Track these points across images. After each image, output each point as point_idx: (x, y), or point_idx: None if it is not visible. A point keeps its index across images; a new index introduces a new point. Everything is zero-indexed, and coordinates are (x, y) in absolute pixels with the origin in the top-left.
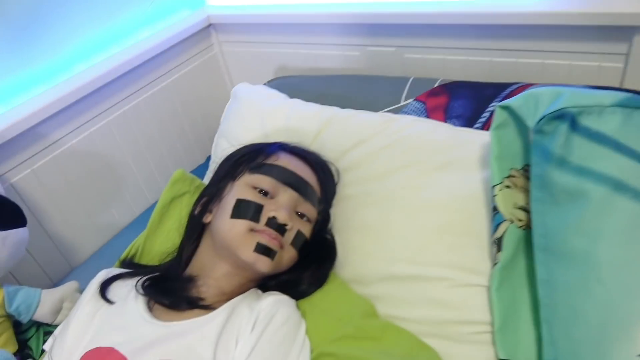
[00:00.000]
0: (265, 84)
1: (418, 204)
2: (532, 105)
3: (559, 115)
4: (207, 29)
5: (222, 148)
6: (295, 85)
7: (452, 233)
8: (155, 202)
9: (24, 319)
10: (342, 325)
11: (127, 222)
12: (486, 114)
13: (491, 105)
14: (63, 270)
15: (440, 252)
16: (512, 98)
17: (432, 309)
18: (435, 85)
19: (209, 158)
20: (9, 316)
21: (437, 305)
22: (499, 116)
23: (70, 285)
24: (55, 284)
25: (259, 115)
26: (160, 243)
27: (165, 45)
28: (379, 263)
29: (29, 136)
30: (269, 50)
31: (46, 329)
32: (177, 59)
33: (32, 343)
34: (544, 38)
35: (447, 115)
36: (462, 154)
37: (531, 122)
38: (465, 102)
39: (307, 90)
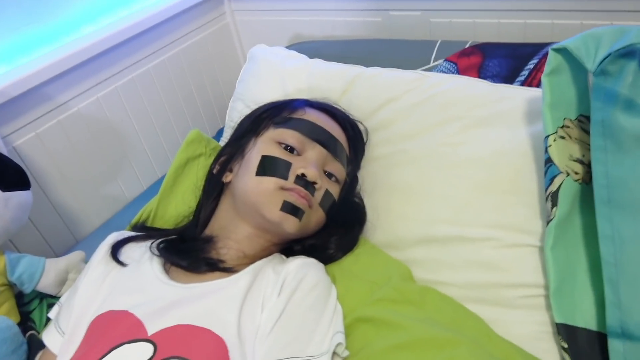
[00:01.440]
0: None
1: (458, 161)
2: (591, 45)
3: (627, 53)
4: None
5: (238, 111)
6: (314, 49)
7: (497, 191)
8: (164, 175)
9: (27, 288)
10: (378, 288)
11: (134, 195)
12: (525, 72)
13: (530, 62)
14: (67, 242)
15: (485, 211)
16: (567, 40)
17: (477, 272)
18: (467, 46)
19: (219, 132)
20: (11, 285)
21: (483, 267)
22: (553, 60)
23: (75, 255)
24: (58, 256)
25: (278, 75)
26: (174, 206)
27: (175, 10)
28: (415, 225)
29: (33, 96)
30: (283, 19)
31: (50, 301)
32: (188, 26)
33: (35, 315)
34: None
35: (481, 75)
36: (505, 108)
37: (591, 65)
38: (501, 61)
39: (327, 53)
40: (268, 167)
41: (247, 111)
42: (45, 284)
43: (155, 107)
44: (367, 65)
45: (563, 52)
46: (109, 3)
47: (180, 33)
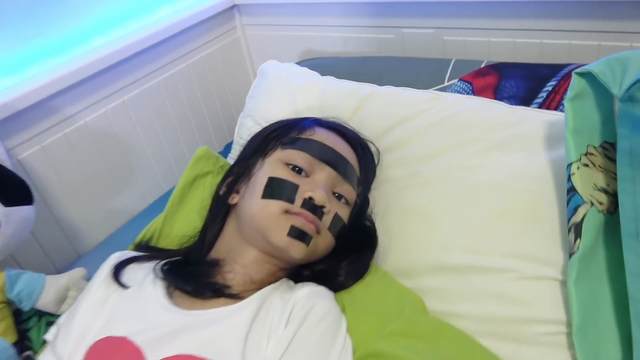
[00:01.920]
0: None
1: (475, 185)
2: (617, 70)
3: None
4: (231, 10)
5: (247, 128)
6: (326, 65)
7: (516, 218)
8: (170, 190)
9: (26, 306)
10: (389, 321)
11: (138, 209)
12: (543, 94)
13: (548, 84)
14: (69, 257)
15: (503, 239)
16: (591, 64)
17: (494, 305)
18: (482, 66)
19: (227, 146)
20: (9, 303)
21: (500, 300)
22: (577, 84)
23: (76, 272)
24: (60, 272)
25: (289, 92)
26: (179, 226)
27: (186, 24)
28: (429, 252)
29: (40, 109)
30: (294, 34)
31: (49, 319)
32: (198, 40)
33: (33, 334)
34: (601, 17)
35: (497, 96)
36: (524, 131)
37: (617, 90)
38: (518, 81)
39: (339, 70)
40: (274, 189)
41: (257, 128)
42: (45, 302)
43: (163, 121)
44: (379, 83)
45: (587, 76)
46: (119, 15)
47: (191, 47)
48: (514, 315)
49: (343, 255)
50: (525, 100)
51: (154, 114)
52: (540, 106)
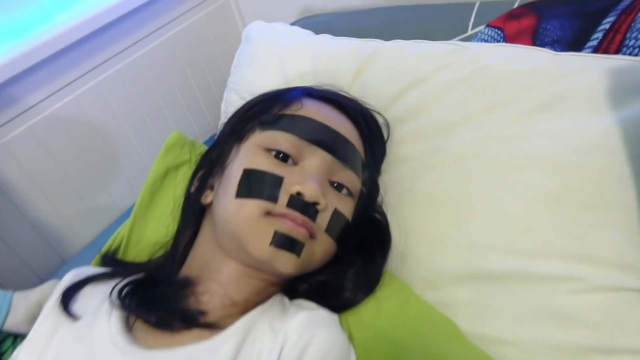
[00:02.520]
0: None
1: (515, 163)
2: None
3: None
4: None
5: (232, 103)
6: (323, 24)
7: (575, 205)
8: None
9: None
10: (406, 354)
11: (128, 204)
12: (598, 35)
13: (605, 21)
14: (53, 264)
15: (558, 235)
16: None
17: (551, 328)
18: (515, 6)
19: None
20: None
21: (559, 321)
22: None
23: (49, 285)
24: (44, 281)
25: (277, 57)
26: (151, 231)
27: None
28: (458, 253)
29: None
30: None
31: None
32: (180, 6)
33: (7, 357)
34: None
35: (537, 42)
36: (577, 86)
37: None
38: (563, 21)
39: (339, 28)
40: (252, 185)
41: (241, 103)
42: (14, 322)
43: (147, 103)
44: (388, 38)
45: None
46: None
47: (172, 15)
48: (581, 342)
49: (349, 262)
50: (574, 44)
51: (135, 95)
52: (596, 51)
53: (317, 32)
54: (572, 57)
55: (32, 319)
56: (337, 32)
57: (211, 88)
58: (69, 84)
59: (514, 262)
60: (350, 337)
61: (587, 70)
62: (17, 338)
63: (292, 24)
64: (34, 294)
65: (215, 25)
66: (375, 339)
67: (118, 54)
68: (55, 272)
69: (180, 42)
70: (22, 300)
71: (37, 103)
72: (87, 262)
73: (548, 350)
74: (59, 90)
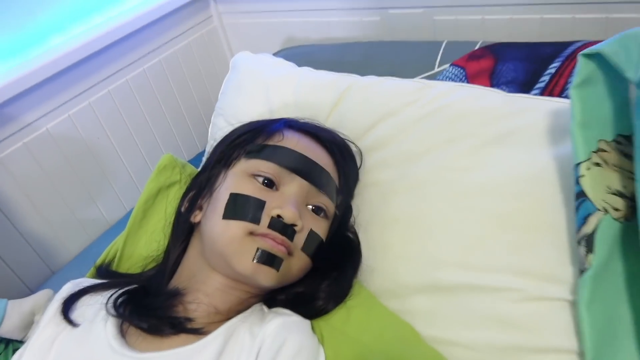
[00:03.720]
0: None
1: (469, 189)
2: (633, 49)
3: None
4: None
5: (219, 128)
6: (305, 55)
7: (516, 227)
8: None
9: None
10: (370, 355)
11: (115, 218)
12: (545, 78)
13: (551, 66)
14: (42, 275)
15: (502, 252)
16: (601, 43)
17: (494, 331)
18: (477, 48)
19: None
20: None
21: (502, 325)
22: (584, 68)
23: (42, 295)
24: (33, 292)
25: (262, 87)
26: (143, 245)
27: (155, 14)
28: (418, 267)
29: None
30: (274, 21)
31: (16, 346)
32: (170, 32)
33: None
34: None
35: (494, 82)
36: (524, 123)
37: (633, 73)
38: (517, 64)
39: (319, 60)
40: (237, 208)
41: (229, 128)
42: (8, 329)
43: (136, 123)
44: (363, 72)
45: (596, 58)
46: (80, 9)
47: (162, 40)
48: (516, 342)
49: (323, 275)
50: (525, 85)
51: (125, 115)
52: (543, 92)
53: (299, 63)
54: (520, 98)
55: (25, 325)
56: (318, 63)
57: (197, 109)
58: (63, 104)
59: (464, 275)
60: (322, 341)
61: (532, 111)
62: (10, 343)
63: (276, 53)
64: (27, 302)
65: (203, 50)
66: (344, 342)
67: (109, 76)
68: (44, 283)
69: (169, 66)
70: (15, 308)
71: (33, 121)
72: (75, 273)
73: (491, 350)
74: (54, 109)
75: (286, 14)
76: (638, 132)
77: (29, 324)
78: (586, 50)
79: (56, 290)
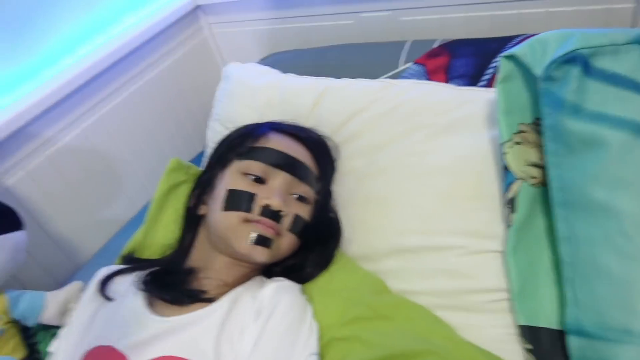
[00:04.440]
0: (257, 63)
1: (424, 169)
2: (538, 51)
3: (570, 59)
4: (195, 12)
5: (216, 132)
6: (289, 60)
7: (461, 197)
8: None
9: (31, 322)
10: (351, 306)
11: (129, 216)
12: (490, 70)
13: (495, 60)
14: (68, 270)
15: (450, 218)
16: (516, 46)
17: (445, 280)
18: (434, 46)
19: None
20: (15, 322)
21: (450, 275)
22: (504, 67)
23: (74, 286)
24: (61, 285)
25: (251, 93)
26: (160, 236)
27: (151, 31)
28: (387, 236)
29: (19, 136)
30: (259, 28)
31: (54, 331)
32: (166, 45)
33: (42, 347)
34: None
35: (449, 76)
36: (467, 113)
37: (539, 70)
38: (467, 60)
39: (301, 64)
40: (234, 201)
41: (225, 132)
42: (48, 317)
43: (142, 129)
44: (339, 73)
45: (512, 59)
46: (85, 31)
47: (159, 53)
48: (461, 287)
49: (310, 249)
50: (474, 78)
51: (132, 124)
52: (488, 83)
53: (284, 68)
54: (466, 90)
55: (62, 313)
56: (300, 68)
57: (196, 113)
58: (77, 119)
59: (423, 239)
60: (311, 300)
61: (476, 101)
62: (49, 330)
63: (263, 59)
64: (62, 293)
65: (196, 59)
66: (329, 297)
67: (115, 90)
68: (71, 276)
69: (167, 76)
70: (53, 299)
71: (52, 136)
72: (97, 268)
73: (444, 294)
74: (70, 124)
75: (269, 22)
76: (544, 116)
77: (64, 312)
78: (505, 53)
79: (83, 282)
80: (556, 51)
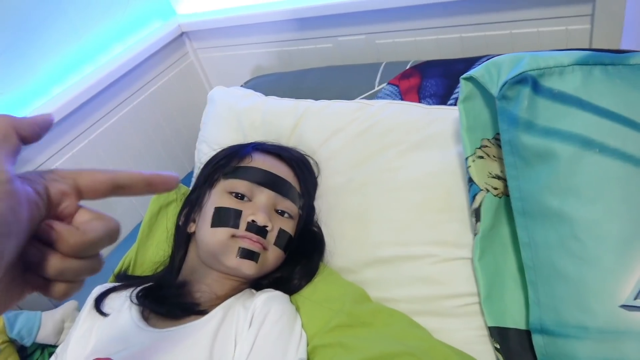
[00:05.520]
0: (241, 86)
1: (398, 185)
2: (494, 73)
3: (520, 80)
4: (180, 38)
5: (204, 153)
6: (271, 83)
7: (431, 210)
8: None
9: (27, 342)
10: (334, 315)
11: (121, 237)
12: (458, 89)
13: None
14: None
15: (422, 230)
16: (474, 69)
17: (419, 287)
18: (407, 68)
19: None
20: (12, 341)
21: (424, 282)
22: (464, 88)
23: (69, 305)
24: (56, 306)
25: (235, 116)
26: (151, 254)
27: (139, 58)
28: (365, 248)
29: None
30: (243, 52)
31: (51, 350)
32: (153, 71)
33: None
34: (510, 8)
35: (420, 96)
36: (436, 130)
37: (495, 90)
38: (437, 80)
39: (283, 86)
40: (221, 218)
41: (211, 153)
42: (44, 336)
43: (132, 152)
44: (318, 94)
45: (471, 80)
46: (74, 61)
47: (147, 78)
48: (435, 293)
49: (295, 261)
50: (443, 97)
51: (122, 147)
52: (456, 101)
53: (266, 91)
54: (436, 109)
55: (58, 332)
56: (281, 90)
57: (184, 135)
58: (66, 145)
59: (398, 250)
60: (297, 309)
61: (443, 120)
62: (45, 348)
63: (247, 82)
64: (58, 312)
65: (183, 83)
66: (313, 308)
67: (105, 116)
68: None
69: (155, 100)
70: (48, 318)
71: (43, 163)
72: (91, 286)
73: (419, 301)
74: (59, 150)
75: (252, 47)
76: (501, 132)
77: (60, 330)
78: (464, 75)
79: (79, 301)
80: (509, 73)
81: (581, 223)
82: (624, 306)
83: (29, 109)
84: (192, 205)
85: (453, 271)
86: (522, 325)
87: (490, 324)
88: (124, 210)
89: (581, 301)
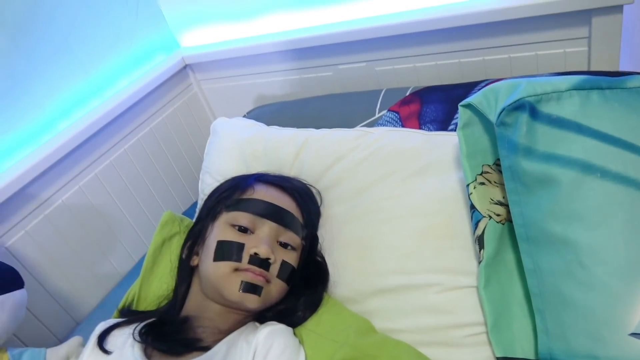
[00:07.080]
0: (244, 116)
1: (400, 212)
2: (491, 99)
3: (518, 106)
4: (184, 70)
5: (207, 184)
6: (273, 112)
7: (435, 237)
8: None
9: None
10: (338, 348)
11: (126, 270)
12: (458, 115)
13: None
14: (68, 326)
15: (426, 257)
16: (472, 96)
17: (425, 317)
18: (407, 94)
19: None
20: None
21: (429, 312)
22: (463, 115)
23: (74, 341)
24: (61, 341)
25: (238, 146)
26: (155, 288)
27: (144, 91)
28: (369, 277)
29: (19, 198)
30: (246, 83)
31: None
32: (158, 103)
33: None
34: (507, 33)
35: (421, 122)
36: (437, 157)
37: (493, 117)
38: (437, 106)
39: (284, 115)
40: (224, 251)
41: (215, 184)
42: None
43: (136, 185)
44: (320, 123)
45: (470, 107)
46: (81, 97)
47: (152, 111)
48: (441, 323)
49: (299, 293)
50: (444, 122)
51: (127, 180)
52: (457, 127)
53: (268, 120)
54: (436, 135)
55: None
56: (283, 119)
57: (188, 165)
58: (73, 178)
59: (402, 279)
60: (301, 342)
61: (445, 145)
62: None
63: (249, 112)
64: (63, 348)
65: (187, 114)
66: (318, 340)
67: (110, 149)
68: (71, 332)
69: (160, 132)
70: (53, 354)
71: (50, 196)
72: (96, 323)
73: (425, 331)
74: (66, 184)
75: (255, 77)
76: (501, 158)
77: None
78: (462, 102)
79: (83, 336)
80: (506, 99)
81: (585, 249)
82: (633, 334)
83: (36, 144)
84: (195, 238)
85: (459, 300)
86: (531, 355)
87: (499, 354)
88: (130, 243)
89: (590, 329)
